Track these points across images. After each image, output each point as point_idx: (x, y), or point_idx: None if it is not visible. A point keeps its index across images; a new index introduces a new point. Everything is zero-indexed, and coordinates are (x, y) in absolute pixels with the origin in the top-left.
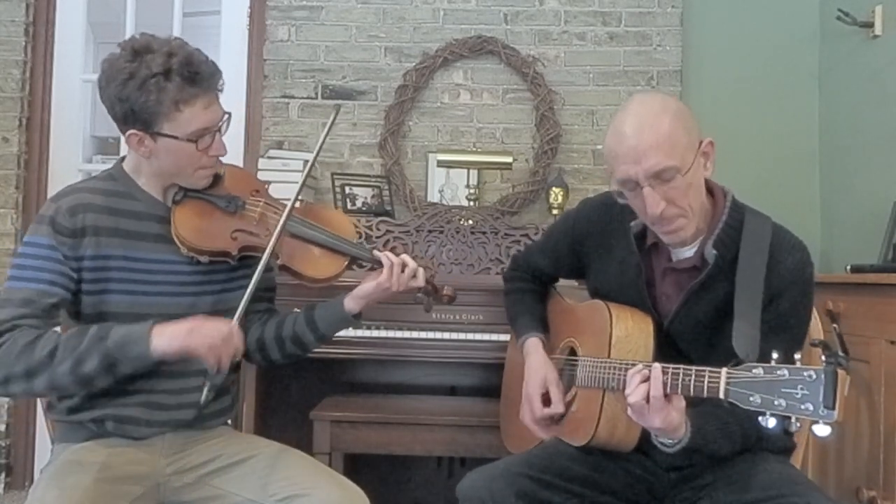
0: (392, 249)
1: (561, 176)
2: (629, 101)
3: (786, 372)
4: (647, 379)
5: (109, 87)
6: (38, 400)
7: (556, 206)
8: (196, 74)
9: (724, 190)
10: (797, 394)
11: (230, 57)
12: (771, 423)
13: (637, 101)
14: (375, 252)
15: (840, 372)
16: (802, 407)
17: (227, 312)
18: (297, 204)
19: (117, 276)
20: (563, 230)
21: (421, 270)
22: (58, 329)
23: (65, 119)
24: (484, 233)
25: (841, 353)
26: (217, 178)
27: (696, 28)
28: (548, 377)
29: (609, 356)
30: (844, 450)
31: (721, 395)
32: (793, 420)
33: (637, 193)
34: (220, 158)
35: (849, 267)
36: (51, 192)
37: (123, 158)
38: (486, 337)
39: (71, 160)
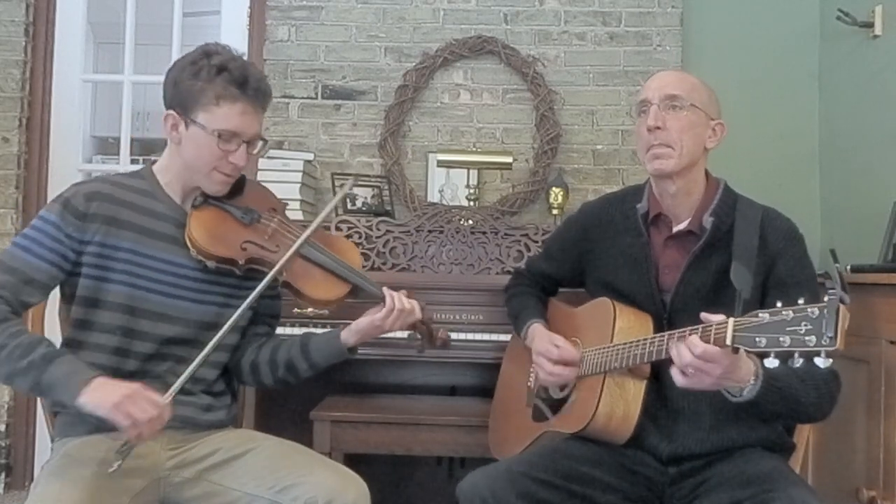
0: (392, 249)
1: (561, 176)
2: None
3: (790, 313)
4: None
5: (171, 71)
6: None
7: (556, 206)
8: (245, 79)
9: (718, 179)
10: (801, 330)
11: None
12: (774, 363)
13: None
14: (384, 289)
15: (841, 307)
16: (806, 339)
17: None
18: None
19: (121, 267)
20: (566, 228)
21: (417, 306)
22: (20, 325)
23: (65, 119)
24: (484, 233)
25: (842, 291)
26: (238, 190)
27: (696, 28)
28: (554, 336)
29: (612, 342)
30: (844, 450)
31: (728, 342)
32: (796, 356)
33: (645, 116)
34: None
35: (849, 267)
36: (51, 193)
37: (154, 161)
38: (486, 337)
39: (71, 160)
